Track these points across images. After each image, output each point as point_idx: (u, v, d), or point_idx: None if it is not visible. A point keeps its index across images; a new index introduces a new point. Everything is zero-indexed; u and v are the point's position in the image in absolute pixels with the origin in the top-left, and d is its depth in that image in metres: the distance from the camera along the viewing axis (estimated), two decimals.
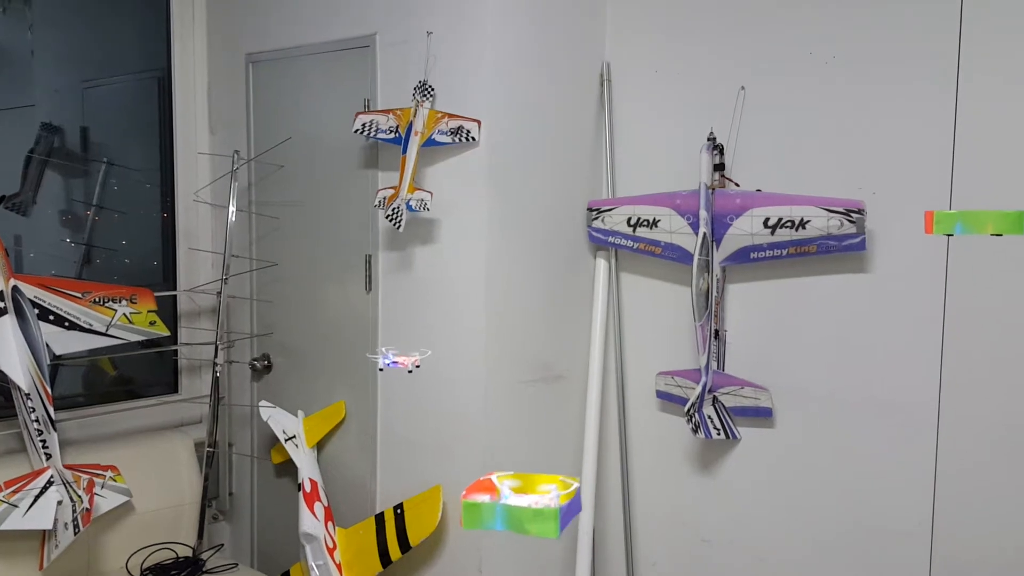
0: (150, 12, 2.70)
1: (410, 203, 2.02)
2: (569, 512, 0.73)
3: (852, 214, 1.85)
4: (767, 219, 1.95)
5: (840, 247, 1.88)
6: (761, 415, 2.05)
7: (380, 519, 2.17)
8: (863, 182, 1.88)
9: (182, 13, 2.67)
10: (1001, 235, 0.92)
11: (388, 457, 2.28)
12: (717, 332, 2.08)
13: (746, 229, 1.98)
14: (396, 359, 1.68)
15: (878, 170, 1.87)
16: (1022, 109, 1.70)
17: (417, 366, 1.68)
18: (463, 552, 2.12)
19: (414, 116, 2.05)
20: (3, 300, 2.04)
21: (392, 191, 2.05)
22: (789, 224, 1.93)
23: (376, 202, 2.10)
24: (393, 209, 2.02)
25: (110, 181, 2.69)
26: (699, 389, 2.01)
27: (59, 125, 2.62)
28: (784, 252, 1.95)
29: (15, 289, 2.06)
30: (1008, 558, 1.74)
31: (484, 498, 0.74)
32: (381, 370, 1.74)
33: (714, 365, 2.08)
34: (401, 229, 2.03)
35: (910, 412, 1.84)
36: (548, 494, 0.73)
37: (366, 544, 2.14)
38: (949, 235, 0.95)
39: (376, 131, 2.11)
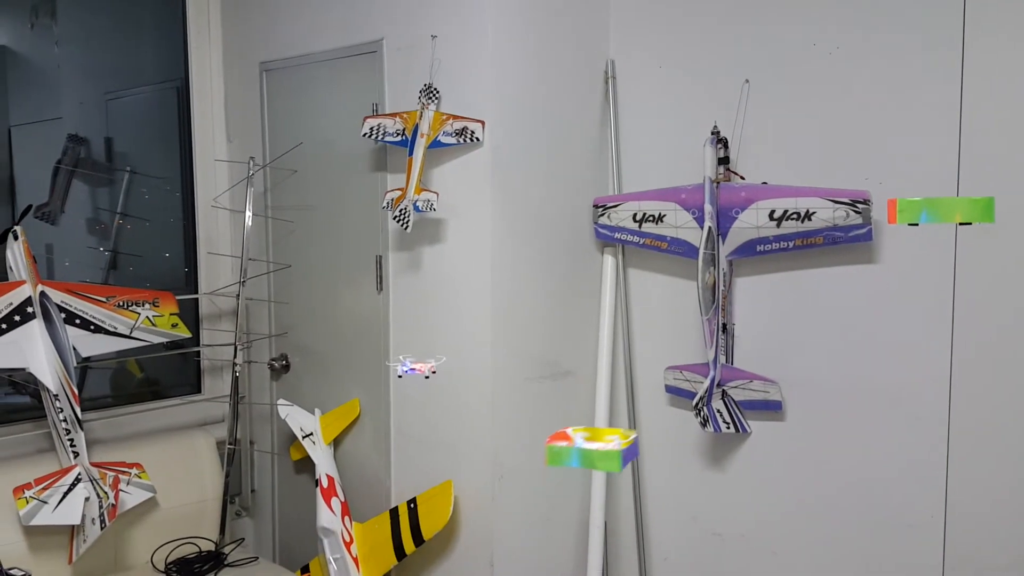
0: (168, 25, 2.77)
1: (417, 204, 2.05)
2: (628, 455, 0.91)
3: (858, 204, 1.84)
4: (772, 211, 1.94)
5: (847, 238, 1.87)
6: (770, 408, 2.04)
7: (394, 513, 2.21)
8: (869, 172, 1.86)
9: (198, 25, 2.74)
10: (970, 224, 0.91)
11: (401, 453, 2.32)
12: (725, 326, 2.08)
13: (752, 222, 1.98)
14: (413, 366, 1.71)
15: (884, 160, 1.85)
16: None
17: (433, 372, 1.71)
18: (476, 545, 2.15)
19: (420, 119, 2.08)
20: (32, 305, 2.13)
21: (399, 193, 2.09)
22: (795, 216, 1.92)
23: (384, 204, 2.14)
24: (400, 210, 2.06)
25: (134, 189, 2.77)
26: (707, 383, 2.01)
27: (84, 136, 2.69)
28: (790, 244, 1.94)
29: (43, 295, 2.15)
30: (1023, 549, 1.71)
31: (563, 443, 0.92)
32: (400, 377, 1.78)
33: (722, 359, 2.08)
34: (409, 230, 2.07)
35: (920, 403, 1.83)
36: (612, 441, 0.91)
37: (381, 538, 2.18)
38: (915, 224, 0.95)
39: (384, 134, 2.15)
